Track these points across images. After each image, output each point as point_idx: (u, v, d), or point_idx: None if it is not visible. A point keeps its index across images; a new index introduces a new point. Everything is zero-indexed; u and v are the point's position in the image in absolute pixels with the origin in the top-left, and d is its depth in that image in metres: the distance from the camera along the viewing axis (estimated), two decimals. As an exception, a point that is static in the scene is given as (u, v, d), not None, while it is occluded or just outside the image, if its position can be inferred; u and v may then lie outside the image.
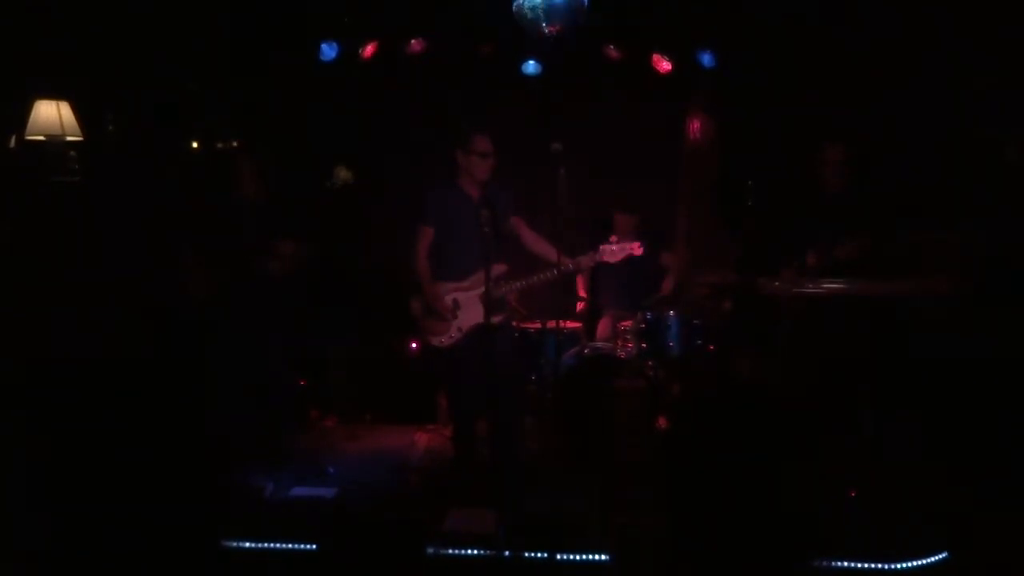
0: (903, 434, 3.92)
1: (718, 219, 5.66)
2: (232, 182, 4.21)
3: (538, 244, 3.94)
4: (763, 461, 3.31)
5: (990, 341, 3.93)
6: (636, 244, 3.83)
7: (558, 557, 3.07)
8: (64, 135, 4.35)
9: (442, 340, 3.87)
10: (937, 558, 3.05)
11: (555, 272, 3.67)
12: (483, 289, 3.65)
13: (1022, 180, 4.19)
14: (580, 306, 5.21)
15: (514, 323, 4.51)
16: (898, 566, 3.01)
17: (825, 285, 3.88)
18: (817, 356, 4.08)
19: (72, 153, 4.44)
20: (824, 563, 3.01)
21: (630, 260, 4.89)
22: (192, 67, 4.86)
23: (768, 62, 5.04)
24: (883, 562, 3.01)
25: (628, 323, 4.62)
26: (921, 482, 3.64)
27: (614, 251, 3.82)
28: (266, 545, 3.19)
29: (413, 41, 5.26)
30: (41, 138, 4.35)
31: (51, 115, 4.31)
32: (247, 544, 3.19)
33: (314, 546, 3.12)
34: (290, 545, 3.19)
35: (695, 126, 5.73)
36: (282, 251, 4.19)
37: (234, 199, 4.21)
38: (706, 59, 5.23)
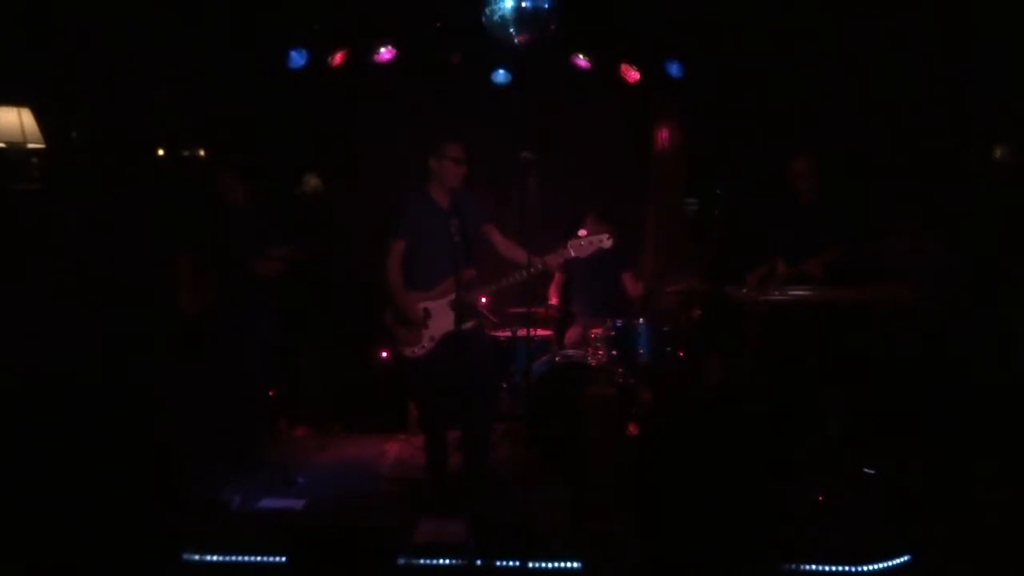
0: (868, 437, 3.99)
1: (686, 227, 5.74)
2: (217, 192, 4.22)
3: (511, 250, 3.89)
4: (732, 466, 3.34)
5: (954, 346, 4.03)
6: (606, 236, 3.67)
7: (530, 565, 3.07)
8: (26, 142, 4.26)
9: (415, 350, 3.85)
10: (900, 560, 3.10)
11: (525, 273, 3.61)
12: (453, 296, 3.65)
13: (985, 187, 4.29)
14: (551, 312, 5.22)
15: (486, 331, 4.51)
16: (863, 568, 3.06)
17: (791, 292, 3.95)
18: (784, 362, 4.14)
19: (34, 160, 4.35)
20: (791, 566, 3.04)
21: (601, 267, 4.93)
22: (159, 74, 4.80)
23: (735, 72, 5.11)
24: (848, 565, 3.06)
25: (598, 331, 4.65)
26: (885, 485, 3.71)
27: (583, 245, 3.65)
28: (234, 559, 3.15)
29: (383, 49, 5.25)
30: (2, 145, 4.26)
31: (12, 122, 4.22)
32: (214, 558, 3.14)
33: (283, 559, 3.08)
34: (259, 558, 3.14)
35: (663, 135, 5.80)
36: (275, 255, 4.17)
37: (222, 209, 4.20)
38: (674, 69, 5.29)
